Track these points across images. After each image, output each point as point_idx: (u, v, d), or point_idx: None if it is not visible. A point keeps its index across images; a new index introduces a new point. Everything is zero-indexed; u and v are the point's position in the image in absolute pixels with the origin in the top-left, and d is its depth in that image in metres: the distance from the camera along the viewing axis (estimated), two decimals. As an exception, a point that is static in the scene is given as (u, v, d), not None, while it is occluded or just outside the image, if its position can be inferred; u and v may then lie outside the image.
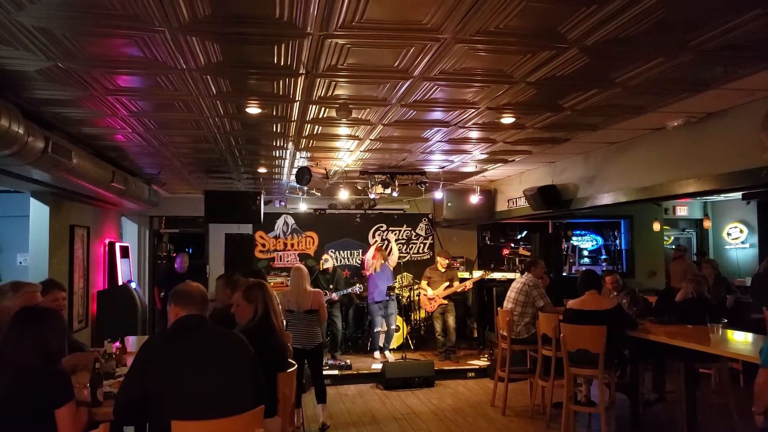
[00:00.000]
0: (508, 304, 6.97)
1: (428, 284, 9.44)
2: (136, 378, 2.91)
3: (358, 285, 9.44)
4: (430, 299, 9.35)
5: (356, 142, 6.25)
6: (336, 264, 10.41)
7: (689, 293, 6.34)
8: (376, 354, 9.35)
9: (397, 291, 10.14)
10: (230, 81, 4.15)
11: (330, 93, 4.44)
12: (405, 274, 10.82)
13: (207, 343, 3.07)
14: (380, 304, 9.27)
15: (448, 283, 9.28)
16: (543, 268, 7.18)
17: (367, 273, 9.64)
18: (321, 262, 9.68)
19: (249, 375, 3.13)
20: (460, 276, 9.84)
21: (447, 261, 9.51)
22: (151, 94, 4.47)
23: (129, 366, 3.47)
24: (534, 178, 8.32)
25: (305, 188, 8.05)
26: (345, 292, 9.38)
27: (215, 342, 3.12)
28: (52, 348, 2.87)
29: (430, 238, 12.09)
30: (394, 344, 9.70)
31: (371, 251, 9.80)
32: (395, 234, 11.88)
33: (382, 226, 11.92)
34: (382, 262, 9.50)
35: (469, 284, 9.45)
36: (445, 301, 9.25)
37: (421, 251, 12.05)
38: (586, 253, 13.12)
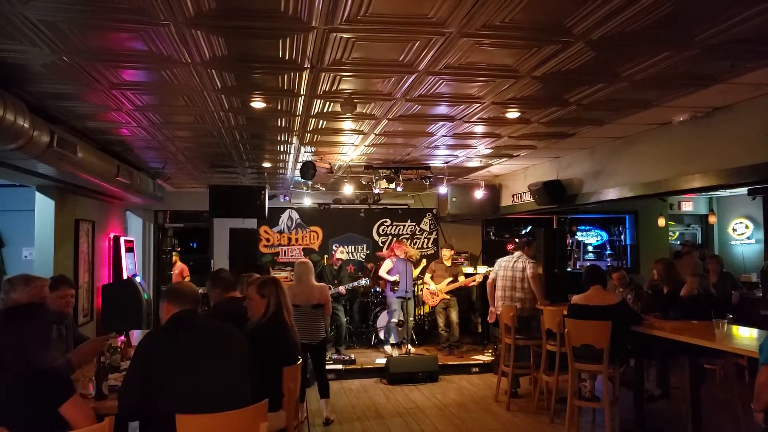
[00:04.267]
0: (506, 283, 7.37)
1: (432, 278, 9.43)
2: (136, 374, 2.94)
3: (364, 279, 9.43)
4: (432, 293, 9.35)
5: (361, 136, 6.25)
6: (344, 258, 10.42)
7: (694, 289, 6.33)
8: (388, 348, 9.38)
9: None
10: (235, 75, 4.15)
11: (335, 87, 4.44)
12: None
13: (202, 337, 3.11)
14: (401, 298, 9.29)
15: (451, 279, 9.27)
16: (534, 249, 7.54)
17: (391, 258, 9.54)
18: (335, 253, 9.67)
19: (244, 367, 3.15)
20: (463, 271, 9.83)
21: (451, 253, 9.50)
22: (156, 88, 4.48)
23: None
24: (539, 173, 8.30)
25: (310, 183, 8.04)
26: (352, 285, 9.38)
27: (210, 335, 3.16)
28: (42, 346, 2.83)
29: (435, 233, 12.09)
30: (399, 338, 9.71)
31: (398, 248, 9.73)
32: (398, 229, 11.92)
33: (386, 221, 11.93)
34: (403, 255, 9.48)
35: (479, 278, 9.44)
36: (448, 296, 9.25)
37: (425, 246, 12.05)
38: (590, 248, 13.10)
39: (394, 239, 11.48)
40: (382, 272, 9.47)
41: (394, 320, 9.39)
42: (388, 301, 9.45)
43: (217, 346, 3.10)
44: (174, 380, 2.87)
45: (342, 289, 9.14)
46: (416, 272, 10.14)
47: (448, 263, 9.42)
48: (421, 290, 10.02)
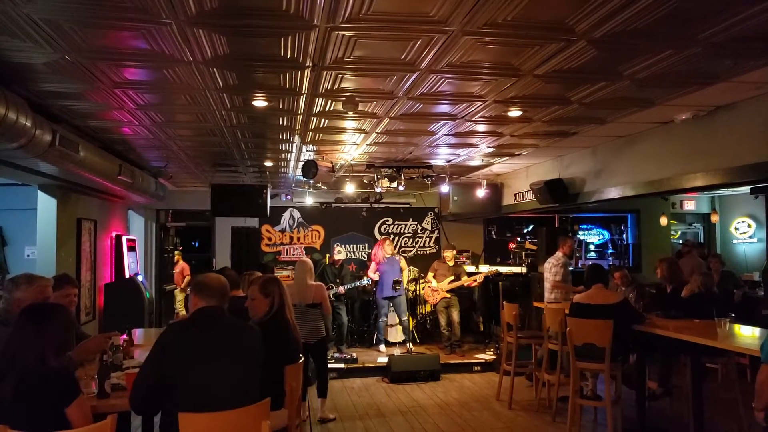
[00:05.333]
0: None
1: (434, 276, 9.44)
2: (152, 366, 2.94)
3: (366, 278, 9.44)
4: (433, 290, 9.36)
5: (362, 135, 6.25)
6: (343, 258, 10.42)
7: (696, 288, 6.32)
8: (381, 347, 9.40)
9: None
10: (237, 74, 4.15)
11: (336, 86, 4.44)
12: (411, 267, 10.85)
13: (220, 336, 3.09)
14: (389, 298, 9.29)
15: (453, 278, 9.27)
16: (569, 247, 8.16)
17: (376, 262, 9.56)
18: (333, 253, 9.68)
19: (257, 368, 3.16)
20: (466, 270, 9.83)
21: (453, 253, 9.51)
22: (158, 86, 4.48)
23: (138, 357, 3.47)
24: (541, 172, 8.30)
25: (311, 182, 8.06)
26: (353, 285, 9.38)
27: (228, 335, 3.14)
28: (55, 347, 2.85)
29: (436, 232, 12.09)
30: (399, 337, 9.71)
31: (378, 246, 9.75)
32: (400, 228, 11.94)
33: (388, 220, 11.93)
34: (390, 253, 9.47)
35: (480, 278, 9.47)
36: (449, 295, 9.25)
37: (426, 245, 12.05)
38: (592, 247, 13.08)
39: (393, 237, 11.52)
40: (371, 273, 9.56)
41: (383, 320, 9.45)
42: (377, 302, 9.51)
43: (233, 346, 3.09)
44: (185, 374, 2.87)
45: (341, 289, 9.14)
46: (407, 274, 10.15)
47: (450, 263, 9.43)
48: (423, 289, 10.03)
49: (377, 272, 9.41)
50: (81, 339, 4.41)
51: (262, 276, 4.54)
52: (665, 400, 6.39)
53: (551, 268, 8.07)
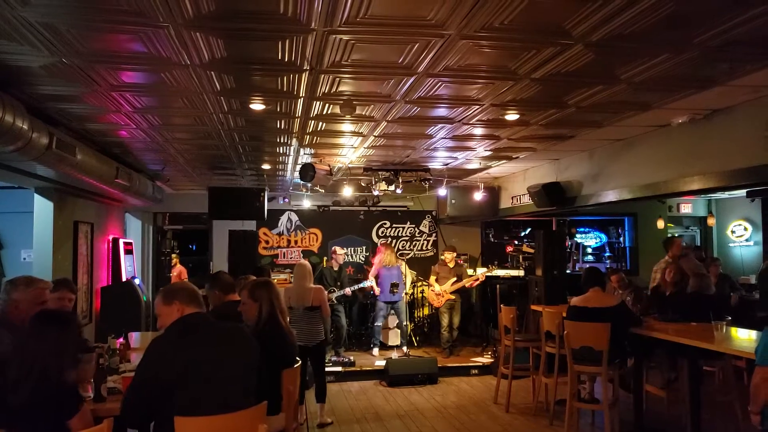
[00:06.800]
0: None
1: (436, 280, 9.44)
2: (148, 375, 2.89)
3: (369, 280, 9.41)
4: (437, 295, 9.36)
5: (360, 138, 6.25)
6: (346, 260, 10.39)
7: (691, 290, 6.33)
8: (375, 350, 9.39)
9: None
10: (234, 77, 4.15)
11: (334, 89, 4.44)
12: (409, 271, 10.82)
13: (217, 340, 3.07)
14: (389, 302, 9.29)
15: (455, 279, 9.28)
16: (678, 246, 7.78)
17: (378, 269, 9.55)
18: (336, 255, 9.64)
19: (255, 371, 3.15)
20: (466, 270, 9.84)
21: (453, 255, 9.51)
22: (155, 90, 4.48)
23: (135, 362, 3.44)
24: (538, 175, 8.30)
25: (309, 185, 8.05)
26: (358, 287, 9.36)
27: (225, 339, 3.12)
28: (72, 357, 2.82)
29: (434, 235, 12.09)
30: (397, 341, 9.70)
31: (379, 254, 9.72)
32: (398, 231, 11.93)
33: (385, 223, 11.92)
34: (393, 262, 9.44)
35: (481, 277, 9.48)
36: (453, 297, 9.27)
37: (424, 248, 12.05)
38: (589, 250, 13.09)
39: (390, 240, 11.51)
40: (371, 276, 9.55)
41: (378, 323, 9.42)
42: (376, 305, 9.50)
43: (229, 350, 3.07)
44: (184, 383, 2.84)
45: (348, 290, 9.13)
46: (412, 275, 10.13)
47: (451, 264, 9.43)
48: (422, 292, 10.02)
49: (377, 276, 9.40)
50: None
51: (253, 280, 4.54)
52: (663, 402, 6.38)
53: (653, 275, 7.78)
